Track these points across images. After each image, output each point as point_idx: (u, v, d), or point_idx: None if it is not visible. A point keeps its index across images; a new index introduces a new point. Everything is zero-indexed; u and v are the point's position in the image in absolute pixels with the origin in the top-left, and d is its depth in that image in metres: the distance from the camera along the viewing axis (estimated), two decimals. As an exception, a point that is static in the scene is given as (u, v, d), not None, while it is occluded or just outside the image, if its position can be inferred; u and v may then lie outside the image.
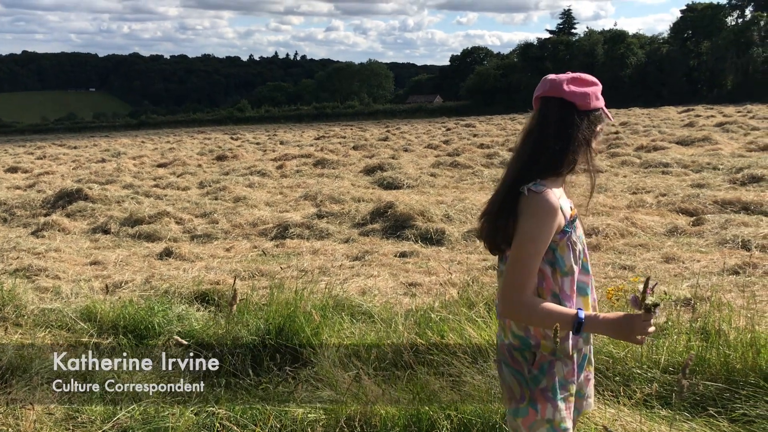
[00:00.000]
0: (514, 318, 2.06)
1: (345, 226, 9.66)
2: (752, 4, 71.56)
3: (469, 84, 76.68)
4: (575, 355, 2.11)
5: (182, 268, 7.20)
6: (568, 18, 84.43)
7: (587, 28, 79.50)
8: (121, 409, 3.56)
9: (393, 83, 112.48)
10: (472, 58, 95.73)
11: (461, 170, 15.12)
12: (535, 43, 79.88)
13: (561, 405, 2.07)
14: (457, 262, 6.95)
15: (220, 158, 21.59)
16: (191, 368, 4.15)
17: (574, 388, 2.10)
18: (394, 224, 9.24)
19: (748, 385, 3.29)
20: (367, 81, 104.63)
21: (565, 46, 75.73)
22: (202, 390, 3.83)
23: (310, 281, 5.47)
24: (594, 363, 2.28)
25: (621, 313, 1.99)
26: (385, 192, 12.53)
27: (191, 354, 4.28)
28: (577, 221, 2.12)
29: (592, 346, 2.22)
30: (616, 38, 72.82)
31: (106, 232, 10.07)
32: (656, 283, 2.07)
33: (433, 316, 4.31)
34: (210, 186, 14.38)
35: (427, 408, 3.26)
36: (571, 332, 2.00)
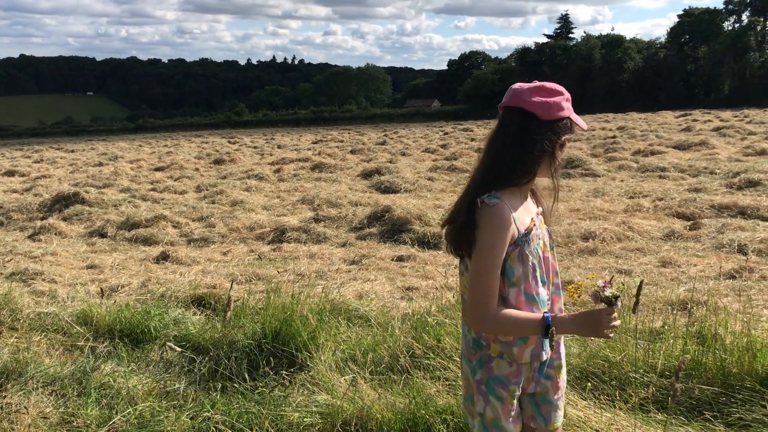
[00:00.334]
0: (486, 332, 2.10)
1: (342, 230, 9.66)
2: (749, 9, 71.79)
3: (467, 88, 76.83)
4: (532, 362, 2.10)
5: (179, 272, 7.19)
6: (565, 23, 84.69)
7: (585, 32, 79.97)
8: (116, 413, 3.55)
9: (391, 87, 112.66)
10: (469, 62, 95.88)
11: (459, 174, 15.13)
12: (532, 48, 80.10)
13: (495, 402, 2.10)
14: (453, 266, 6.94)
15: (218, 162, 21.58)
16: (187, 372, 4.15)
17: (516, 390, 2.10)
18: (391, 228, 9.23)
19: (744, 389, 3.29)
20: (365, 85, 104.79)
21: (562, 51, 75.91)
22: (197, 394, 3.83)
23: (306, 285, 5.46)
24: (566, 368, 2.26)
25: (585, 310, 2.01)
26: (382, 196, 12.53)
27: (187, 358, 4.28)
28: (538, 233, 2.11)
29: (563, 352, 2.22)
30: (613, 43, 73.01)
31: (102, 235, 10.06)
32: (612, 276, 2.08)
33: (429, 320, 4.30)
34: (207, 190, 14.37)
35: (423, 412, 3.25)
36: (519, 337, 2.04)
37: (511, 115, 2.07)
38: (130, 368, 4.21)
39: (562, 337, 2.26)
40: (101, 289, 5.58)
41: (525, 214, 2.09)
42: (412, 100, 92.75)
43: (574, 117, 2.09)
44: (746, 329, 3.63)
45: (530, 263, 2.06)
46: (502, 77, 74.57)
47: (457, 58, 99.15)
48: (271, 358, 4.10)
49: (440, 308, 4.66)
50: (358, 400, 3.40)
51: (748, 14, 71.57)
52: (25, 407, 3.51)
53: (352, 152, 23.23)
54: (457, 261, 2.19)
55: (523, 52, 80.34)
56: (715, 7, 71.94)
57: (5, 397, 3.68)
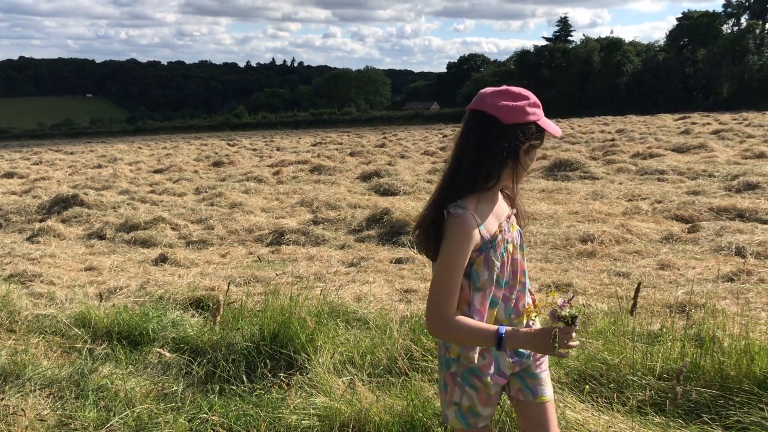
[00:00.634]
0: (440, 337, 2.14)
1: (341, 233, 9.66)
2: (747, 12, 71.94)
3: (466, 91, 76.85)
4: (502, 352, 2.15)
5: (177, 274, 7.19)
6: (564, 26, 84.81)
7: (584, 35, 79.88)
8: (114, 415, 3.55)
9: (390, 90, 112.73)
10: (469, 65, 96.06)
11: (457, 177, 15.11)
12: (531, 51, 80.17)
13: (470, 391, 2.17)
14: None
15: (217, 164, 21.58)
16: (185, 375, 4.15)
17: (489, 380, 2.16)
18: (389, 230, 9.23)
19: (742, 392, 3.29)
20: (364, 87, 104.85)
21: (561, 54, 76.00)
22: (195, 396, 3.82)
23: (305, 287, 5.46)
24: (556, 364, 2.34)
25: (541, 327, 2.04)
26: (381, 198, 12.53)
27: (185, 360, 4.28)
28: (506, 237, 2.13)
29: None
30: (612, 46, 73.13)
31: (101, 237, 10.05)
32: (573, 296, 2.09)
33: (427, 322, 4.29)
34: (206, 192, 14.37)
35: (421, 414, 3.25)
36: (502, 350, 2.07)
37: (474, 118, 2.08)
38: (128, 370, 4.20)
39: (537, 319, 2.28)
40: (99, 293, 5.57)
41: (493, 220, 2.10)
42: (411, 103, 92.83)
43: (544, 123, 2.09)
44: (744, 332, 3.63)
45: (495, 268, 2.09)
46: (501, 80, 74.59)
47: (456, 61, 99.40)
48: (269, 361, 4.10)
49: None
50: (356, 402, 3.40)
51: (746, 17, 71.77)
52: (22, 409, 3.51)
53: (351, 154, 23.23)
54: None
55: (522, 55, 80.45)
56: (713, 11, 72.10)
57: (3, 399, 3.68)
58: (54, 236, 10.10)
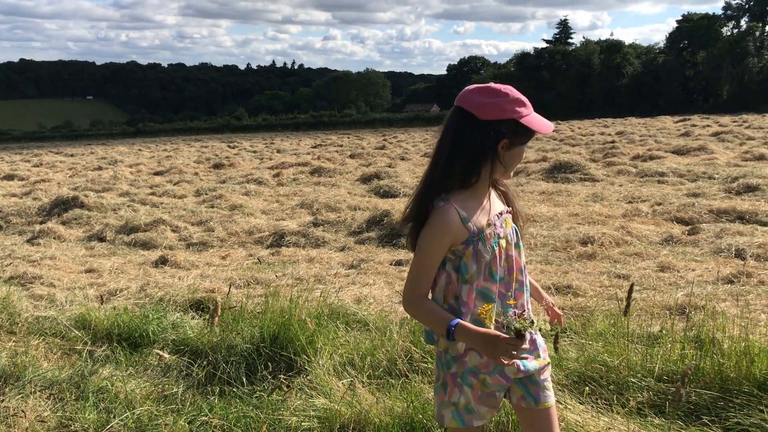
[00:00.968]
0: (408, 313, 2.25)
1: (341, 235, 9.66)
2: (747, 14, 72.03)
3: (465, 93, 76.85)
4: None
5: (177, 276, 7.19)
6: (564, 28, 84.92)
7: (584, 38, 79.87)
8: (114, 417, 3.55)
9: (390, 92, 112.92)
10: (469, 67, 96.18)
11: (458, 179, 15.12)
12: (531, 53, 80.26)
13: (467, 391, 2.20)
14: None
15: (217, 166, 21.59)
16: (185, 376, 4.15)
17: (489, 379, 2.19)
18: (390, 232, 9.24)
19: (742, 393, 3.29)
20: (365, 90, 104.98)
21: (561, 56, 76.10)
22: (195, 398, 3.83)
23: (305, 289, 5.47)
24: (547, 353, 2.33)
25: (493, 332, 2.04)
26: (381, 200, 12.54)
27: (185, 362, 4.28)
28: (498, 231, 2.16)
29: (540, 341, 2.27)
30: (612, 48, 73.23)
31: (101, 239, 10.05)
32: (524, 310, 2.12)
33: (427, 324, 4.30)
34: (206, 194, 14.37)
35: (421, 416, 3.25)
36: (451, 340, 2.11)
37: (453, 113, 2.14)
38: (128, 372, 4.21)
39: (538, 331, 2.27)
40: (100, 296, 5.58)
41: (481, 214, 2.14)
42: (411, 105, 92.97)
43: (527, 120, 2.09)
44: (744, 334, 3.63)
45: (485, 261, 2.11)
46: (501, 82, 74.55)
47: (456, 63, 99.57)
48: (269, 363, 4.11)
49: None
50: (355, 404, 3.40)
51: (746, 20, 71.88)
52: (22, 411, 3.51)
53: (352, 157, 23.24)
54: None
55: (522, 57, 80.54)
56: (713, 13, 72.31)
57: (3, 401, 3.68)
58: (54, 238, 10.11)
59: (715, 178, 12.77)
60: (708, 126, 28.66)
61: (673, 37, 72.75)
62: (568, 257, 7.53)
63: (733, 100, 60.08)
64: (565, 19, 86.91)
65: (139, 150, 36.17)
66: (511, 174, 2.20)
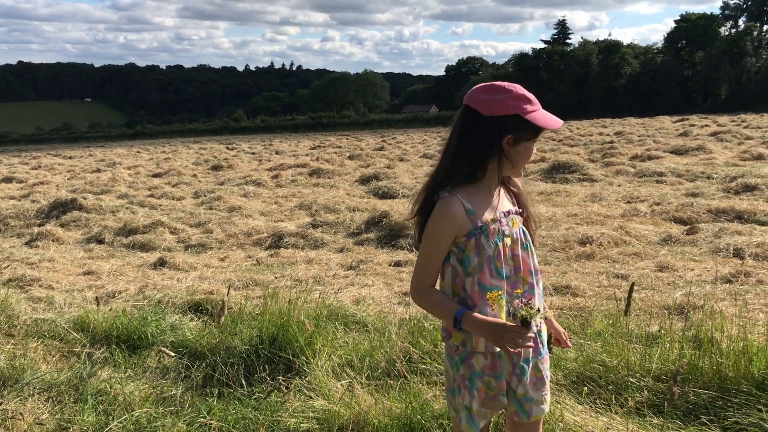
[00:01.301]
0: (417, 305, 2.29)
1: (340, 236, 9.66)
2: (745, 14, 72.14)
3: (464, 94, 76.78)
4: (511, 357, 2.19)
5: (176, 278, 7.19)
6: (562, 28, 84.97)
7: (582, 38, 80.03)
8: (113, 419, 3.55)
9: (389, 93, 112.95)
10: (467, 68, 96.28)
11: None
12: (530, 54, 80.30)
13: (474, 392, 2.22)
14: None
15: (216, 168, 21.58)
16: (184, 378, 4.15)
17: (494, 382, 2.20)
18: (388, 233, 9.24)
19: (741, 393, 3.29)
20: (363, 91, 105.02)
21: (560, 56, 76.15)
22: (194, 400, 3.82)
23: (304, 291, 5.46)
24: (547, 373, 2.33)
25: (499, 320, 2.05)
26: (380, 201, 12.54)
27: (184, 364, 4.28)
28: (503, 229, 2.17)
29: (531, 362, 2.25)
30: (610, 48, 73.26)
31: (100, 242, 10.05)
32: (530, 298, 2.13)
33: (426, 324, 4.31)
34: (205, 196, 14.36)
35: (419, 417, 3.25)
36: (458, 329, 2.14)
37: (460, 111, 2.18)
38: (126, 374, 4.20)
39: (544, 339, 2.32)
40: (97, 298, 5.57)
41: (487, 209, 2.17)
42: (410, 106, 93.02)
43: (531, 116, 2.11)
44: (742, 333, 3.63)
45: (487, 255, 2.13)
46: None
47: (454, 64, 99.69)
48: (268, 364, 4.10)
49: (437, 313, 4.65)
50: (354, 405, 3.40)
51: (744, 19, 72.02)
52: (20, 414, 3.51)
53: (350, 158, 23.25)
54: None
55: (520, 58, 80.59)
56: (711, 13, 72.38)
57: (1, 403, 3.67)
58: (53, 240, 10.09)
59: (713, 178, 12.78)
60: (706, 126, 28.69)
61: (671, 37, 72.83)
62: (566, 257, 7.53)
63: (731, 100, 60.15)
64: (563, 20, 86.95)
65: (138, 152, 36.16)
66: (521, 171, 2.24)
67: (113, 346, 4.66)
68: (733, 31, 71.34)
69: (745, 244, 7.31)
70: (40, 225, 11.28)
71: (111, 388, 3.91)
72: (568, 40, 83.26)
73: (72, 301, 5.99)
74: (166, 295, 5.94)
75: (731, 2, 73.08)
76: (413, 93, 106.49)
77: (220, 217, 11.43)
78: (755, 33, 68.34)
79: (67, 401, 3.79)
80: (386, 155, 24.04)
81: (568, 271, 6.87)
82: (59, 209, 12.20)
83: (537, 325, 2.18)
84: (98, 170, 23.16)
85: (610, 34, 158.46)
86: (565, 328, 4.60)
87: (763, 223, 8.60)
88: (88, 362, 4.39)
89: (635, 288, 5.94)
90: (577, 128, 34.11)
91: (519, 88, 2.13)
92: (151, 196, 14.97)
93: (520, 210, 2.27)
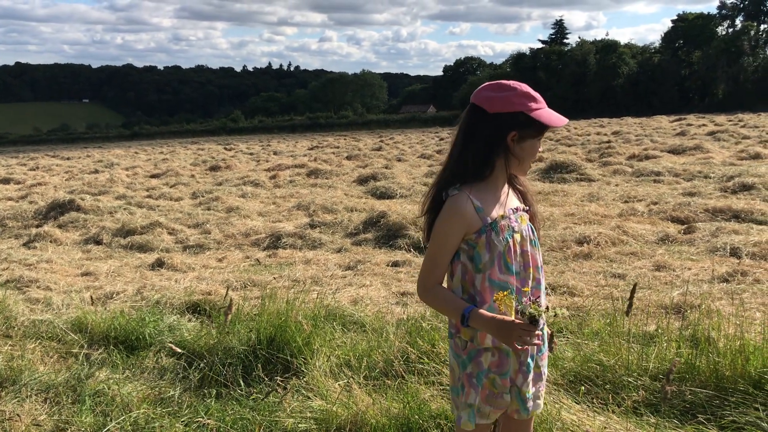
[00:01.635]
0: (424, 302, 2.30)
1: (338, 236, 9.66)
2: (742, 14, 72.23)
3: (463, 94, 76.86)
4: (509, 348, 2.18)
5: (174, 279, 7.19)
6: (560, 28, 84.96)
7: (579, 38, 79.92)
8: (111, 420, 3.55)
9: (386, 93, 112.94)
10: (465, 68, 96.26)
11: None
12: (527, 54, 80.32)
13: (479, 389, 2.24)
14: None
15: (214, 169, 21.58)
16: (182, 379, 4.15)
17: (499, 380, 2.23)
18: (386, 234, 9.24)
19: (738, 392, 3.30)
20: (361, 91, 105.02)
21: (557, 56, 76.17)
22: (192, 400, 3.83)
23: (301, 291, 5.46)
24: (545, 372, 2.38)
25: (507, 318, 2.07)
26: (378, 202, 12.55)
27: (182, 365, 4.28)
28: (513, 225, 2.20)
29: (535, 357, 2.29)
30: (608, 48, 73.26)
31: (98, 242, 10.04)
32: (539, 296, 2.14)
33: (424, 325, 4.31)
34: (203, 196, 14.36)
35: (417, 417, 3.26)
36: (466, 326, 2.16)
37: (467, 109, 2.20)
38: (124, 375, 4.21)
39: (545, 335, 2.34)
40: (90, 297, 5.57)
41: (496, 206, 2.19)
42: (407, 106, 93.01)
43: (536, 114, 2.14)
44: (739, 332, 3.64)
45: (498, 251, 2.15)
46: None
47: (452, 64, 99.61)
48: (266, 365, 4.11)
49: (435, 313, 4.66)
50: (352, 405, 3.41)
51: (741, 19, 72.09)
52: (18, 415, 3.51)
53: (348, 158, 23.25)
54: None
55: (518, 58, 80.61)
56: (708, 12, 72.44)
57: (-1, 404, 3.67)
58: (50, 242, 10.08)
59: (710, 177, 12.80)
60: (704, 125, 28.71)
61: (668, 37, 72.87)
62: (564, 257, 7.55)
63: (728, 100, 60.21)
64: (561, 20, 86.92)
65: (136, 153, 36.14)
66: (527, 169, 2.27)
67: (111, 346, 4.66)
68: (730, 30, 71.39)
69: (742, 243, 7.33)
70: (37, 226, 11.26)
71: (109, 388, 3.91)
72: (565, 40, 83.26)
73: (70, 302, 5.99)
74: (164, 296, 5.94)
75: (728, 2, 73.18)
76: (411, 93, 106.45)
77: (218, 218, 11.43)
78: (752, 32, 68.42)
79: (65, 402, 3.79)
80: (384, 155, 24.04)
81: (566, 271, 6.88)
82: (57, 210, 12.19)
83: (544, 323, 2.20)
84: (96, 171, 23.14)
85: (607, 34, 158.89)
86: (562, 328, 4.62)
87: (760, 223, 8.62)
88: (85, 363, 4.39)
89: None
90: (575, 128, 34.12)
91: (524, 87, 2.16)
92: (149, 196, 14.96)
93: (527, 207, 2.30)
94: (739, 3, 72.67)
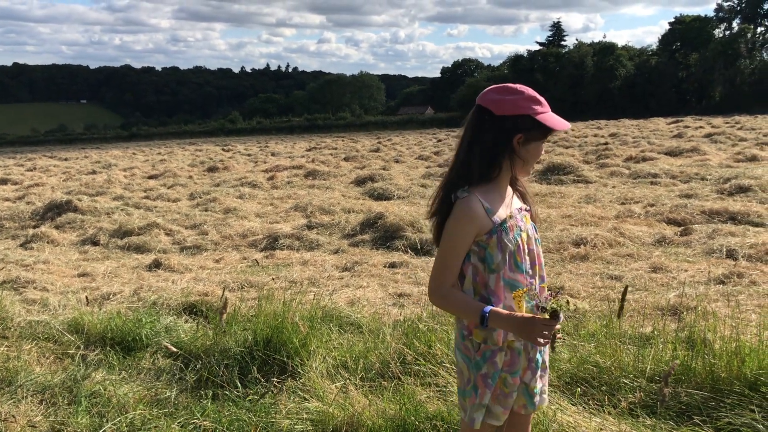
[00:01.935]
0: (436, 305, 2.30)
1: (335, 237, 9.66)
2: (739, 16, 72.36)
3: (460, 95, 76.86)
4: (520, 346, 2.24)
5: (171, 280, 7.18)
6: (557, 30, 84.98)
7: (577, 40, 79.96)
8: (107, 421, 3.54)
9: (384, 95, 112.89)
10: (462, 69, 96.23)
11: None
12: (525, 55, 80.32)
13: (492, 389, 2.26)
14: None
15: (211, 170, 21.57)
16: (178, 380, 4.14)
17: (510, 378, 2.25)
18: (383, 235, 9.24)
19: (733, 393, 3.31)
20: (359, 93, 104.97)
21: (554, 58, 76.17)
22: (188, 402, 3.82)
23: (298, 292, 5.46)
24: (547, 367, 2.44)
25: (527, 315, 2.10)
26: (375, 203, 12.55)
27: (178, 366, 4.28)
28: (519, 225, 2.24)
29: (542, 353, 2.35)
30: (605, 50, 73.31)
31: (95, 243, 10.03)
32: (558, 291, 2.15)
33: (420, 326, 4.32)
34: (200, 197, 14.35)
35: (413, 418, 3.26)
36: (485, 327, 2.16)
37: (473, 111, 2.23)
38: (121, 376, 4.20)
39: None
40: (86, 298, 5.56)
41: (502, 207, 2.22)
42: (405, 108, 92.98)
43: (542, 117, 2.17)
44: (735, 334, 3.65)
45: (509, 250, 2.18)
46: (494, 84, 74.57)
47: (450, 66, 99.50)
48: (263, 366, 4.10)
49: (431, 314, 4.67)
50: (348, 406, 3.41)
51: (738, 22, 72.15)
52: (13, 416, 3.50)
53: (346, 159, 23.25)
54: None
55: (515, 60, 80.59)
56: (705, 15, 72.52)
57: (-5, 405, 3.67)
58: (48, 242, 10.07)
59: (707, 179, 12.82)
60: (701, 127, 28.75)
61: (665, 39, 72.92)
62: (561, 258, 7.55)
63: (725, 102, 60.25)
64: (558, 22, 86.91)
65: (134, 154, 36.11)
66: (530, 171, 2.30)
67: (108, 347, 4.66)
68: (727, 33, 71.47)
69: (739, 245, 7.35)
70: (35, 227, 11.25)
71: (105, 390, 3.91)
72: (563, 42, 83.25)
73: (66, 303, 5.98)
74: (161, 297, 5.94)
75: (725, 4, 73.32)
76: (409, 95, 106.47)
77: (216, 219, 11.42)
78: (749, 35, 68.50)
79: (61, 403, 3.79)
80: (382, 157, 24.05)
81: (563, 272, 6.88)
82: (54, 211, 12.17)
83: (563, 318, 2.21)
84: (94, 172, 23.12)
85: (604, 36, 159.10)
86: (558, 329, 4.63)
87: (756, 225, 8.63)
88: (82, 364, 4.38)
89: (629, 289, 5.97)
90: (572, 130, 34.12)
91: (530, 90, 2.20)
92: (147, 197, 14.95)
93: (528, 207, 2.35)
94: (736, 6, 72.80)
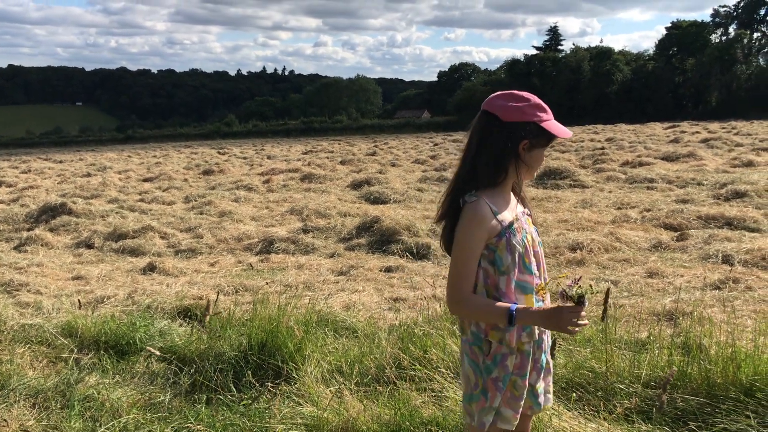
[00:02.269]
0: (458, 314, 2.31)
1: (331, 241, 9.65)
2: (735, 22, 72.65)
3: (457, 99, 76.96)
4: (530, 349, 2.27)
5: (165, 283, 7.15)
6: (554, 35, 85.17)
7: (573, 44, 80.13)
8: (100, 426, 3.52)
9: (381, 98, 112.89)
10: (459, 74, 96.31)
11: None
12: (522, 60, 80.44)
13: (506, 394, 2.27)
14: (442, 276, 6.94)
15: (207, 173, 21.53)
16: (172, 384, 4.12)
17: (520, 381, 2.27)
18: (379, 239, 9.23)
19: (729, 399, 3.30)
20: (355, 96, 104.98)
21: (551, 63, 76.28)
22: (182, 406, 3.80)
23: (294, 296, 5.44)
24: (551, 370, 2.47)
25: (552, 306, 2.15)
26: (371, 206, 12.53)
27: (172, 370, 4.25)
28: (524, 227, 2.28)
29: (545, 354, 2.38)
30: (602, 55, 73.45)
31: (89, 246, 9.99)
32: (580, 277, 2.18)
33: (416, 330, 4.30)
34: (195, 201, 14.32)
35: (408, 423, 3.24)
36: (513, 326, 2.18)
37: (479, 117, 2.26)
38: (114, 380, 4.17)
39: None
40: (78, 301, 5.53)
41: (508, 210, 2.26)
42: (402, 111, 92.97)
43: (547, 125, 2.23)
44: (731, 340, 3.64)
45: (518, 252, 2.22)
46: (491, 89, 74.70)
47: (447, 70, 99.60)
48: (257, 370, 4.08)
49: (427, 319, 4.65)
50: (343, 411, 3.39)
51: (734, 27, 72.45)
52: (6, 420, 3.48)
53: (342, 163, 23.24)
54: (445, 272, 2.26)
55: (512, 64, 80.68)
56: (702, 20, 72.73)
57: (-13, 409, 3.64)
58: (42, 245, 10.04)
59: (703, 185, 12.85)
60: (697, 132, 28.81)
61: (662, 44, 73.09)
62: (557, 263, 7.55)
63: (721, 107, 60.42)
64: (555, 26, 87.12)
65: (129, 156, 36.03)
66: (533, 176, 2.33)
67: (101, 351, 4.63)
68: (724, 38, 71.69)
69: (735, 250, 7.35)
70: (29, 229, 11.21)
71: (98, 394, 3.88)
72: (559, 47, 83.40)
73: (60, 307, 5.95)
74: (155, 301, 5.91)
75: (722, 10, 73.57)
76: (405, 98, 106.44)
77: (211, 222, 11.39)
78: (745, 41, 68.76)
79: (54, 407, 3.76)
80: (378, 160, 24.04)
81: (558, 277, 6.86)
82: (49, 213, 12.13)
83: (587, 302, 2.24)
84: (89, 174, 23.06)
85: (601, 41, 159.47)
86: (554, 334, 4.62)
87: (752, 230, 8.65)
88: (75, 368, 4.35)
89: (624, 294, 5.97)
90: (569, 134, 34.14)
91: (536, 98, 2.24)
92: (142, 200, 14.91)
93: (528, 211, 2.39)
94: (732, 11, 73.08)
